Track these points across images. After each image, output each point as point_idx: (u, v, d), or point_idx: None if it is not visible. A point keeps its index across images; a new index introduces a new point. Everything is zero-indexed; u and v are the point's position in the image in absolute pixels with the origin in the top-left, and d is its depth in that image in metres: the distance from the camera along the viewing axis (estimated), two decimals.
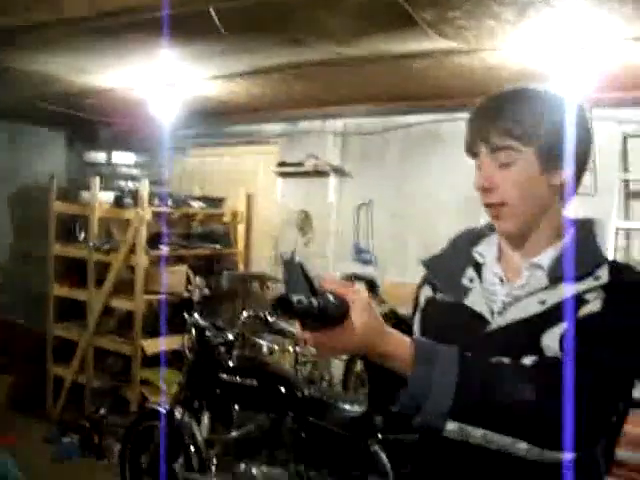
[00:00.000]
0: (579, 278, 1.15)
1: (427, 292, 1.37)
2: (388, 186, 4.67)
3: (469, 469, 1.19)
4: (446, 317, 1.29)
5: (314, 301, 0.98)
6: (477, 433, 1.05)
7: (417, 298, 1.42)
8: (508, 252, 1.29)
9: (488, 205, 1.23)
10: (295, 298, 0.97)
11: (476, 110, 1.24)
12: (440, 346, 1.08)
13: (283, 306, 0.96)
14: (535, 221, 1.23)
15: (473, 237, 1.36)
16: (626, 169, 3.82)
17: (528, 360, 1.11)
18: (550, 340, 1.12)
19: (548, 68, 3.14)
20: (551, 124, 1.17)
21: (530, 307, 1.18)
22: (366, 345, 1.04)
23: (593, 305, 1.12)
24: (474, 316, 1.24)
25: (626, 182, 3.82)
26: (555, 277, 1.18)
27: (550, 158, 1.18)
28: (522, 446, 1.04)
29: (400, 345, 1.06)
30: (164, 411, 3.42)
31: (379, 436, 2.85)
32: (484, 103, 1.24)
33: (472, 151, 1.24)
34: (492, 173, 1.20)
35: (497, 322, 1.21)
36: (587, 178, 4.32)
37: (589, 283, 1.15)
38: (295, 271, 1.02)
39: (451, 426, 1.04)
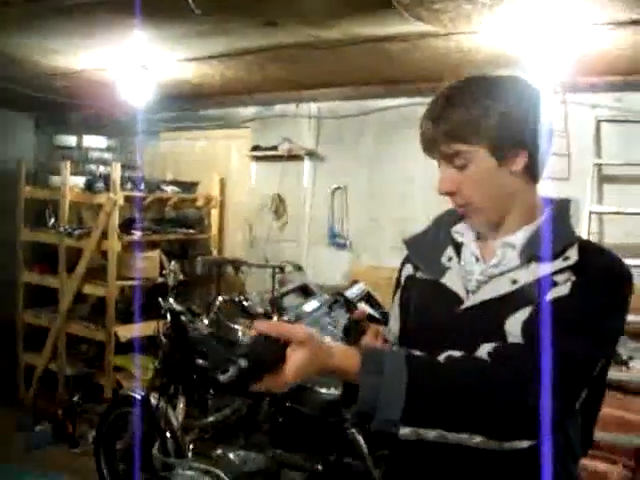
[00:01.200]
0: (550, 258, 1.16)
1: (408, 270, 1.40)
2: (363, 170, 4.67)
3: (437, 461, 1.20)
4: (424, 295, 1.32)
5: (241, 362, 0.97)
6: (430, 434, 1.06)
7: (399, 277, 1.44)
8: (486, 232, 1.30)
9: (455, 205, 1.26)
10: (220, 376, 0.97)
11: (423, 115, 1.24)
12: (387, 354, 1.08)
13: (217, 388, 0.99)
14: (504, 208, 1.24)
15: (453, 217, 1.36)
16: (599, 154, 3.86)
17: (486, 349, 1.11)
18: (513, 325, 1.13)
19: (523, 52, 3.15)
20: (497, 115, 1.16)
21: (501, 287, 1.20)
22: (316, 368, 1.05)
23: (562, 288, 1.13)
24: (450, 295, 1.26)
25: (599, 167, 3.86)
26: (526, 256, 1.19)
27: (503, 148, 1.18)
28: (478, 439, 1.05)
29: (348, 358, 1.07)
30: (139, 397, 3.39)
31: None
32: (429, 107, 1.23)
33: (427, 153, 1.25)
34: (450, 177, 1.22)
35: (470, 300, 1.23)
36: (561, 162, 4.37)
37: (559, 264, 1.15)
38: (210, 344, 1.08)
39: (404, 431, 1.05)
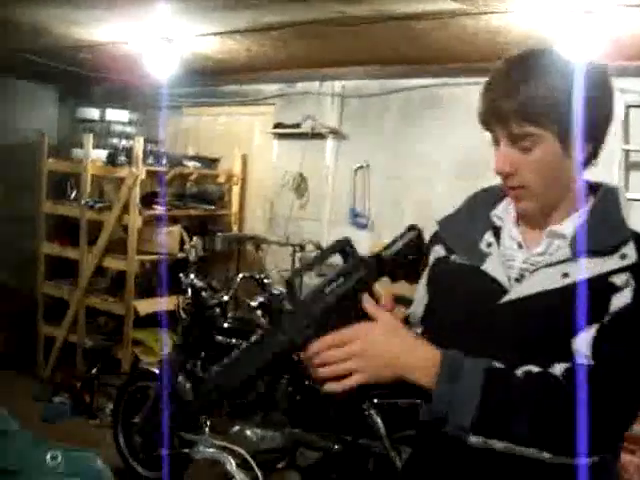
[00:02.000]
0: (603, 253, 1.10)
1: (439, 252, 1.31)
2: (386, 150, 4.62)
3: (474, 468, 1.16)
4: (461, 281, 1.24)
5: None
6: (500, 445, 1.05)
7: (426, 257, 1.36)
8: (529, 218, 1.23)
9: (507, 187, 1.18)
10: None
11: (489, 84, 1.16)
12: (467, 361, 1.06)
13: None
14: (559, 195, 1.18)
15: (490, 198, 1.30)
16: (627, 140, 3.78)
17: (559, 368, 1.07)
18: (581, 345, 1.07)
19: (553, 33, 3.08)
20: (570, 100, 1.08)
21: (551, 280, 1.13)
22: (390, 353, 1.06)
23: (624, 295, 1.07)
24: (491, 282, 1.19)
25: (627, 152, 3.78)
26: (578, 249, 1.12)
27: (572, 137, 1.11)
28: (547, 455, 1.04)
29: (426, 358, 1.07)
30: (157, 372, 3.41)
31: (374, 400, 2.85)
32: (497, 77, 1.15)
33: (488, 128, 1.17)
34: (511, 157, 1.14)
35: (516, 292, 1.16)
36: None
37: (615, 262, 1.09)
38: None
39: (474, 439, 1.05)
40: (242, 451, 2.86)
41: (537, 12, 2.92)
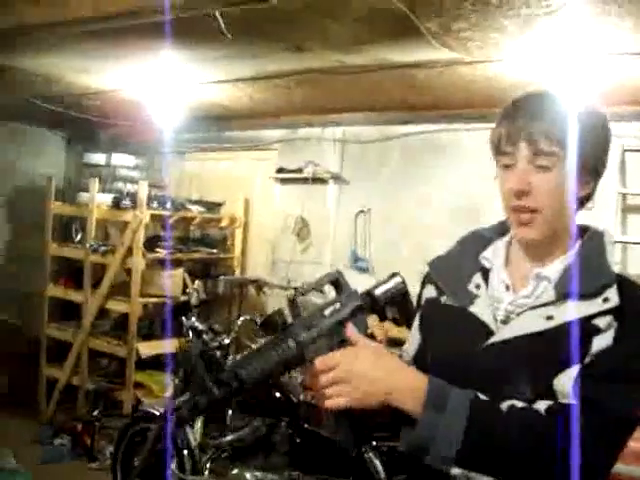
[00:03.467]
0: (587, 296, 1.12)
1: (430, 292, 1.34)
2: (386, 194, 4.69)
3: None
4: (450, 322, 1.26)
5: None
6: (482, 479, 1.07)
7: (419, 297, 1.39)
8: (516, 259, 1.26)
9: (518, 209, 1.16)
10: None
11: (514, 107, 1.18)
12: (453, 391, 1.08)
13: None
14: (560, 229, 1.19)
15: (480, 241, 1.32)
16: (624, 183, 3.85)
17: (542, 405, 1.09)
18: (562, 384, 1.09)
19: (548, 80, 3.16)
20: (589, 134, 1.14)
21: (535, 322, 1.14)
22: (375, 376, 1.08)
23: (605, 337, 1.09)
24: (478, 324, 1.21)
25: (624, 196, 3.84)
26: (562, 292, 1.14)
27: (585, 168, 1.15)
28: None
29: (412, 382, 1.09)
30: (158, 413, 3.41)
31: (373, 443, 2.85)
32: (523, 102, 1.18)
33: (505, 150, 1.17)
34: (529, 175, 1.14)
35: (501, 334, 1.17)
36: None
37: (598, 305, 1.11)
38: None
39: (456, 471, 1.06)
40: None
41: (531, 60, 3.01)
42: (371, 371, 1.09)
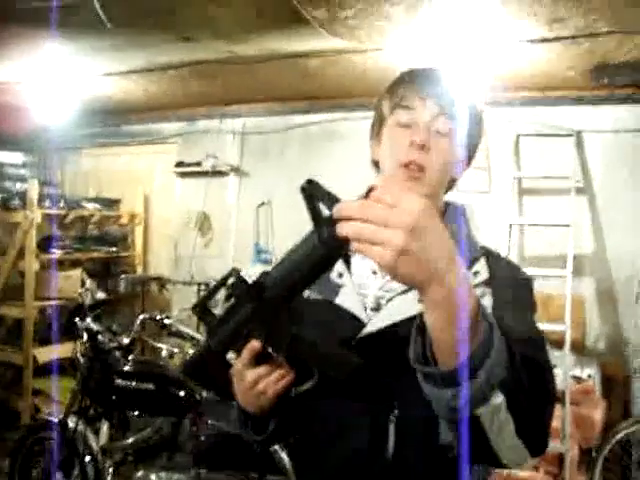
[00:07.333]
0: None
1: None
2: (287, 185, 4.67)
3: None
4: (317, 318, 1.10)
5: None
6: (502, 416, 0.85)
7: None
8: None
9: (409, 164, 1.10)
10: None
11: (419, 70, 1.18)
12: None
13: None
14: (436, 198, 1.16)
15: None
16: (519, 167, 3.98)
17: None
18: None
19: (442, 68, 3.21)
20: (473, 120, 1.16)
21: (410, 306, 1.02)
22: (442, 251, 0.76)
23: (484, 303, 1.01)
24: (348, 316, 1.10)
25: (519, 180, 3.98)
26: None
27: (467, 149, 1.16)
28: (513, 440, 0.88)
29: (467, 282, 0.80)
30: (56, 421, 3.27)
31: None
32: (425, 69, 1.18)
33: (408, 103, 1.13)
34: (428, 135, 1.11)
35: (373, 324, 1.08)
36: (482, 176, 4.45)
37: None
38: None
39: (497, 400, 0.83)
40: None
41: (423, 49, 3.04)
42: (438, 241, 0.76)
